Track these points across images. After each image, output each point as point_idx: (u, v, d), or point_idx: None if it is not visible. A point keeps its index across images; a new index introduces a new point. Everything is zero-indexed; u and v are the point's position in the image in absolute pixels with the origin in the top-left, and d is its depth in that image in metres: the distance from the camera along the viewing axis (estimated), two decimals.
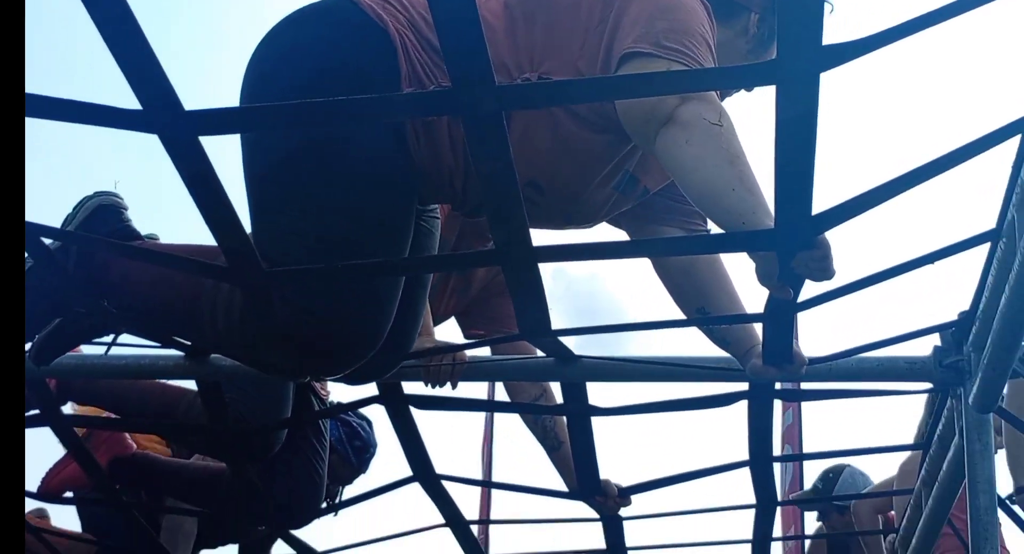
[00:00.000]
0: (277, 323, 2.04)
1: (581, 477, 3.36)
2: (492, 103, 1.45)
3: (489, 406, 3.39)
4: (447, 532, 3.92)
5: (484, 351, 3.14)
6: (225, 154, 1.98)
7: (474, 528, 4.14)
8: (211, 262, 1.96)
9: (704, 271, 2.43)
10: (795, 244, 1.73)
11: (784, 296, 1.89)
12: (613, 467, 3.43)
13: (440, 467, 3.40)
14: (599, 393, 3.24)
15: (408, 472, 3.46)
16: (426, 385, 2.88)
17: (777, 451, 6.99)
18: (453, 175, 2.12)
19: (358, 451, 3.99)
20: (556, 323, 2.31)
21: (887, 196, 1.69)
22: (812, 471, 6.59)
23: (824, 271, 1.79)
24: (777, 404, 4.44)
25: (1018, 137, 1.83)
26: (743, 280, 2.16)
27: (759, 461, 3.26)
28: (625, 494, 3.49)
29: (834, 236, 1.79)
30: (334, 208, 2.04)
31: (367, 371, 2.37)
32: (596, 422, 3.12)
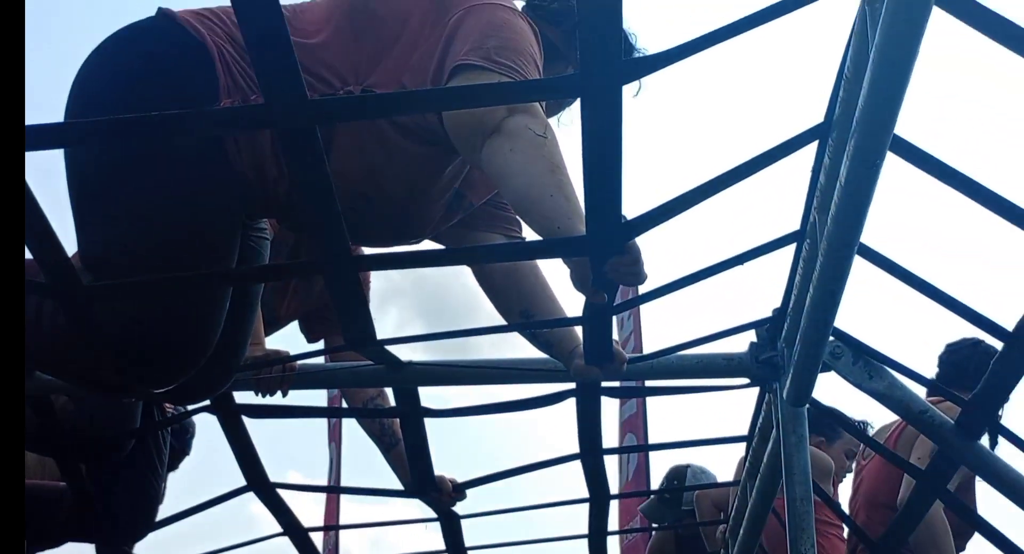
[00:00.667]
0: (102, 335, 2.01)
1: (416, 475, 3.39)
2: (305, 117, 1.47)
3: (322, 412, 3.38)
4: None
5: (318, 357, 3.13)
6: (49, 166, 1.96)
7: (317, 536, 4.12)
8: (32, 278, 1.93)
9: (526, 276, 2.47)
10: (606, 250, 1.78)
11: (598, 300, 1.94)
12: (450, 465, 3.48)
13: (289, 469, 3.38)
14: (437, 392, 3.26)
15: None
16: (256, 394, 2.86)
17: (616, 441, 7.14)
18: (277, 185, 2.11)
19: (177, 434, 3.82)
20: (402, 318, 2.33)
21: (694, 202, 1.75)
22: (657, 460, 6.73)
23: (635, 276, 1.84)
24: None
25: (815, 143, 1.91)
26: (561, 283, 2.22)
27: (589, 456, 3.34)
28: (459, 488, 3.55)
29: (646, 239, 1.86)
30: (154, 220, 2.03)
31: (196, 388, 2.36)
32: (431, 422, 3.17)
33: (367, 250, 2.66)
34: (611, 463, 6.39)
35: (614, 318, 6.11)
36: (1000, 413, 2.52)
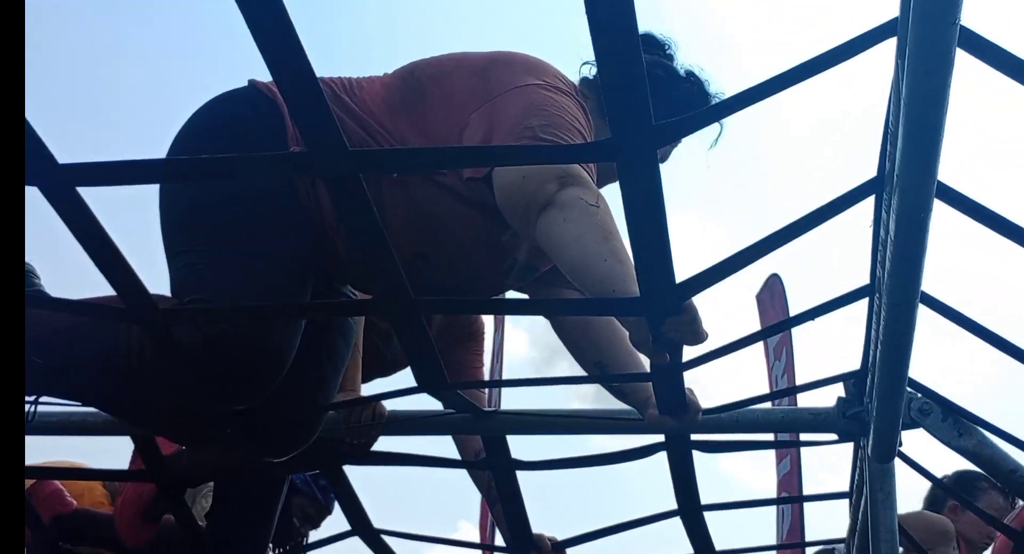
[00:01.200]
0: (186, 353, 2.13)
1: (513, 531, 3.40)
2: (347, 164, 1.54)
3: (417, 460, 3.43)
4: None
5: (408, 403, 3.18)
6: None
7: None
8: (109, 304, 2.07)
9: (601, 328, 2.50)
10: (661, 310, 1.80)
11: (660, 360, 1.95)
12: (549, 520, 3.48)
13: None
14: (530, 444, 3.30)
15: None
16: (347, 440, 2.93)
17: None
18: (336, 235, 2.23)
19: (324, 490, 4.00)
20: (572, 372, 2.37)
21: (746, 262, 1.76)
22: (813, 517, 6.51)
23: (695, 334, 1.86)
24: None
25: (872, 197, 1.90)
26: None
27: (687, 510, 3.31)
28: (559, 547, 3.53)
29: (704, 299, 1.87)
30: (233, 252, 2.19)
31: (285, 438, 2.48)
32: (530, 476, 3.19)
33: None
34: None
35: (773, 377, 5.96)
36: None
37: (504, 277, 2.39)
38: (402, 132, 2.25)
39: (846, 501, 3.53)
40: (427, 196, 2.24)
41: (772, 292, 7.17)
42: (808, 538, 6.20)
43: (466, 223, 2.26)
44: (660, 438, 2.91)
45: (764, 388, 6.67)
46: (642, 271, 1.73)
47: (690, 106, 2.44)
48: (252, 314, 2.14)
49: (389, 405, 2.90)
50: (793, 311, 6.46)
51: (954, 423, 2.57)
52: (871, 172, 1.84)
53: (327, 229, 2.25)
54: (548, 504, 3.55)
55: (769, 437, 3.00)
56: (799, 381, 6.68)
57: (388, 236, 2.10)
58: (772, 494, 7.00)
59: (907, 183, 1.54)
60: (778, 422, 2.82)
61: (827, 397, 2.85)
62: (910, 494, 2.79)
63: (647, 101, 1.40)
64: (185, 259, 2.23)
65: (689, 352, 2.06)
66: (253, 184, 2.20)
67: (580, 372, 2.58)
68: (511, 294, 2.61)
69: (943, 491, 3.87)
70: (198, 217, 2.24)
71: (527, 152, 1.76)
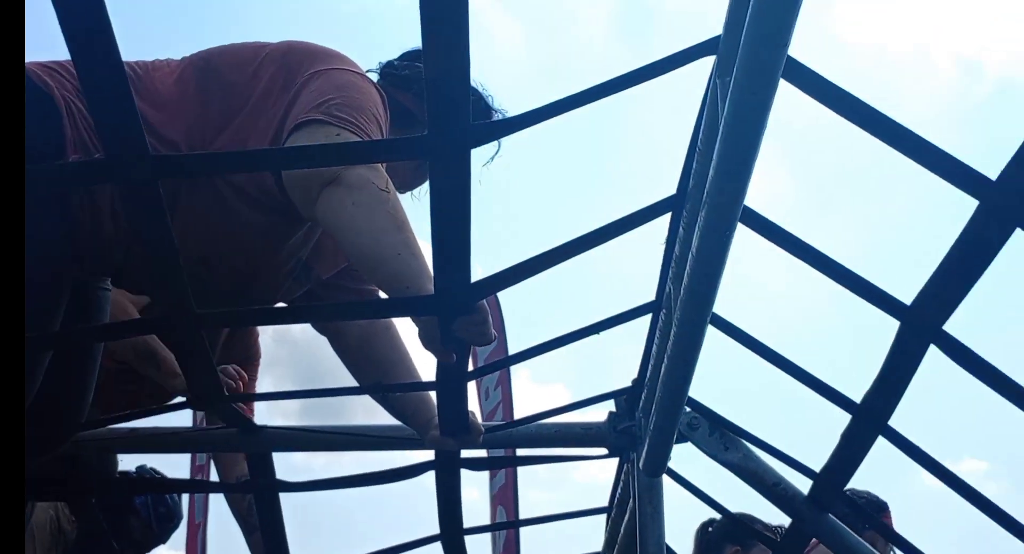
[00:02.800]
0: None
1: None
2: (146, 171, 1.43)
3: (182, 486, 3.29)
4: None
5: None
6: None
7: None
8: None
9: (382, 346, 2.45)
10: (454, 309, 1.77)
11: (447, 360, 1.92)
12: (315, 545, 3.38)
13: None
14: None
15: None
16: None
17: (486, 517, 7.03)
18: (113, 243, 2.06)
19: (161, 518, 3.78)
20: (277, 387, 2.27)
21: (543, 266, 1.75)
22: (528, 535, 6.59)
23: (483, 335, 1.83)
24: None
25: (669, 214, 1.92)
26: (419, 352, 2.20)
27: (449, 534, 3.27)
28: None
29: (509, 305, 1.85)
30: None
31: (39, 439, 2.30)
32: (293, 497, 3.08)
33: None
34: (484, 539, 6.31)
35: (481, 390, 6.13)
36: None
37: (285, 280, 2.28)
38: (203, 129, 2.10)
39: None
40: (206, 198, 2.11)
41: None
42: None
43: (255, 228, 2.14)
44: (429, 456, 2.87)
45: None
46: (439, 269, 1.70)
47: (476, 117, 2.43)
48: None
49: (155, 422, 2.75)
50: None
51: (721, 437, 2.64)
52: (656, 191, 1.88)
53: (102, 234, 2.06)
54: (306, 528, 3.44)
55: (537, 452, 3.00)
56: (515, 391, 6.85)
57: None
58: (485, 508, 7.10)
59: (717, 199, 1.56)
60: (551, 437, 2.82)
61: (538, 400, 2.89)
62: (675, 510, 2.84)
63: (467, 100, 1.37)
64: None
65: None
66: None
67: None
68: None
69: (716, 535, 3.93)
70: None
71: (336, 150, 1.69)
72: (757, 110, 1.38)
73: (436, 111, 1.36)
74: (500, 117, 2.53)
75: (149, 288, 1.77)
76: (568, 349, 2.33)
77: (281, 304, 2.44)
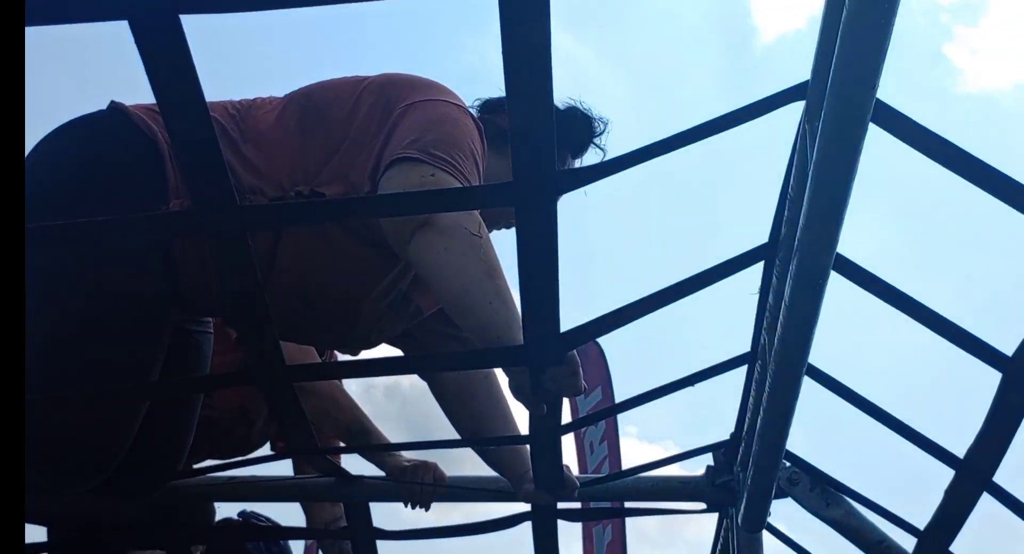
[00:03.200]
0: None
1: None
2: (234, 223, 1.45)
3: (281, 532, 3.32)
4: None
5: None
6: None
7: None
8: None
9: (480, 397, 2.44)
10: (544, 360, 1.76)
11: (537, 412, 1.91)
12: None
13: None
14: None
15: None
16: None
17: None
18: (197, 289, 2.11)
19: None
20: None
21: (634, 316, 1.74)
22: None
23: (573, 387, 1.82)
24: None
25: (761, 263, 1.90)
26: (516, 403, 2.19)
27: None
28: None
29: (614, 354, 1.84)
30: (82, 322, 2.02)
31: (134, 488, 2.33)
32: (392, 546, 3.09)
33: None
34: None
35: (585, 444, 6.07)
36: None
37: (385, 313, 2.28)
38: (305, 165, 2.12)
39: None
40: (320, 237, 2.13)
41: (585, 356, 7.23)
42: None
43: (357, 262, 2.16)
44: (526, 507, 2.85)
45: (570, 451, 6.70)
46: (528, 319, 1.68)
47: (573, 139, 2.43)
48: (105, 396, 2.00)
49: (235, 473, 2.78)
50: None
51: (822, 493, 2.58)
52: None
53: (211, 279, 2.06)
54: None
55: (634, 506, 2.96)
56: (623, 447, 6.76)
57: (275, 285, 2.00)
58: None
59: (808, 247, 1.53)
60: (648, 490, 2.78)
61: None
62: None
63: (553, 147, 1.36)
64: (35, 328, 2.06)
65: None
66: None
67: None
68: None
69: None
70: (47, 279, 2.02)
71: (422, 198, 1.69)
72: (846, 154, 1.36)
73: (521, 159, 1.36)
74: (602, 147, 2.50)
75: (241, 345, 1.80)
76: (676, 406, 2.31)
77: (366, 353, 2.46)
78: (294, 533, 3.32)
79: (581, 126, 2.46)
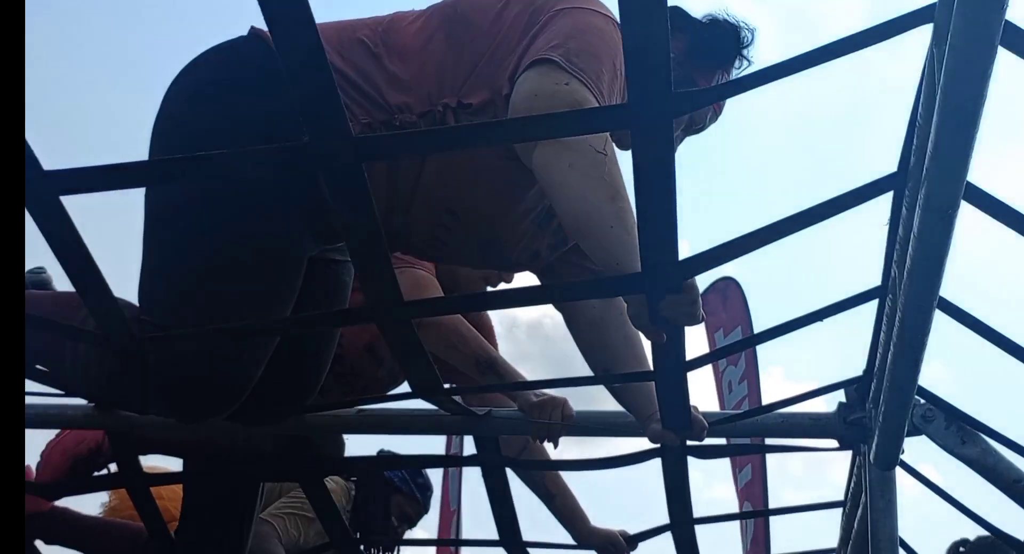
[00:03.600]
0: (153, 375, 2.05)
1: (501, 523, 3.34)
2: (350, 155, 1.46)
3: (414, 461, 3.39)
4: None
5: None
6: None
7: None
8: (80, 326, 1.97)
9: (612, 332, 2.41)
10: (661, 288, 1.74)
11: (657, 339, 1.89)
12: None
13: None
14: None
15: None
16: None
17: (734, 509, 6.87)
18: (391, 209, 2.13)
19: (422, 488, 4.01)
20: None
21: (754, 246, 1.71)
22: (777, 529, 6.39)
23: (692, 316, 1.80)
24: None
25: (891, 194, 1.85)
26: None
27: (679, 522, 3.23)
28: (632, 540, 3.48)
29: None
30: (218, 259, 2.07)
31: (263, 416, 2.41)
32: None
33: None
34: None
35: (723, 383, 5.98)
36: None
37: (530, 227, 2.27)
38: (454, 75, 2.13)
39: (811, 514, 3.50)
40: (467, 152, 2.12)
41: (724, 295, 7.10)
42: (774, 551, 6.10)
43: (500, 173, 2.15)
44: (656, 445, 2.85)
45: (711, 391, 6.60)
46: (645, 245, 1.67)
47: (719, 51, 2.37)
48: (229, 335, 2.05)
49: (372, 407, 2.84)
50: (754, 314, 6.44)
51: (957, 430, 2.52)
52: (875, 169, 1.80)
53: (379, 202, 2.06)
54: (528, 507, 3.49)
55: (768, 442, 2.94)
56: (763, 386, 6.64)
57: (421, 198, 2.06)
58: (732, 503, 6.92)
59: (938, 176, 1.48)
60: (777, 427, 2.76)
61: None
62: (908, 504, 2.73)
63: (667, 68, 1.33)
64: (153, 263, 2.13)
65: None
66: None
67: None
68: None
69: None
70: (169, 213, 2.10)
71: (535, 123, 1.67)
72: (976, 78, 1.31)
73: (636, 79, 1.34)
74: (749, 58, 2.43)
75: (361, 282, 1.81)
76: (823, 344, 2.27)
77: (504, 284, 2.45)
78: (424, 461, 3.37)
79: (727, 37, 2.40)
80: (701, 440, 2.40)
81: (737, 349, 3.20)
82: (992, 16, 1.22)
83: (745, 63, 2.40)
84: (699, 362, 2.22)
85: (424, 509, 4.03)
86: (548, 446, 2.87)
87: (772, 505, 6.48)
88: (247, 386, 2.13)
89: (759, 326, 6.44)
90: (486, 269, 2.75)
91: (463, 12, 2.21)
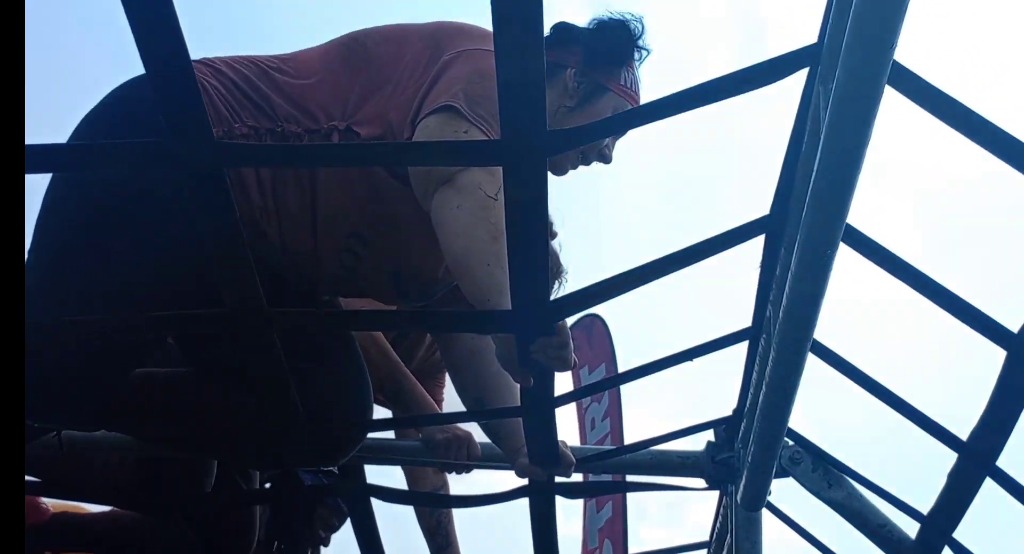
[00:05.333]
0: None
1: None
2: (209, 158, 1.39)
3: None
4: None
5: None
6: None
7: None
8: None
9: (486, 363, 2.38)
10: (532, 329, 1.70)
11: (524, 383, 1.85)
12: None
13: None
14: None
15: None
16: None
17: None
18: (263, 217, 2.07)
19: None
20: None
21: (629, 286, 1.67)
22: None
23: (562, 361, 1.76)
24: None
25: (762, 236, 1.83)
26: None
27: None
28: None
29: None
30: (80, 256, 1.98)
31: (321, 452, 2.30)
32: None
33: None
34: None
35: (586, 420, 5.96)
36: None
37: (441, 264, 2.22)
38: (345, 101, 2.10)
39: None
40: (364, 171, 2.09)
41: (589, 332, 7.14)
42: None
43: (404, 198, 2.10)
44: (524, 482, 2.80)
45: (572, 426, 6.62)
46: (516, 285, 1.62)
47: (615, 52, 2.33)
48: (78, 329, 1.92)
49: None
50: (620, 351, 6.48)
51: (824, 473, 2.52)
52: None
53: (253, 211, 2.06)
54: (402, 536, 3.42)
55: (635, 480, 2.91)
56: (627, 423, 6.67)
57: (323, 217, 2.01)
58: (579, 540, 6.93)
59: (818, 217, 1.46)
60: (645, 464, 2.73)
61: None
62: (774, 545, 2.73)
63: (543, 104, 1.29)
64: (32, 257, 2.02)
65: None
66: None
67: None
68: None
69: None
70: (56, 209, 2.03)
71: (406, 150, 1.63)
72: (861, 118, 1.29)
73: (510, 115, 1.30)
74: (647, 47, 2.39)
75: (221, 287, 1.72)
76: (689, 385, 2.25)
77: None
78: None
79: (618, 36, 2.36)
80: (568, 476, 2.36)
81: (607, 386, 3.16)
82: (881, 54, 1.20)
83: (644, 53, 2.38)
84: (566, 399, 2.18)
85: (345, 516, 3.88)
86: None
87: (631, 543, 6.53)
88: (95, 389, 2.02)
89: (624, 363, 6.48)
90: (402, 303, 2.65)
91: (363, 42, 2.19)
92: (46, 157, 1.51)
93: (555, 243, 3.02)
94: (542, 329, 1.70)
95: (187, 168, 1.41)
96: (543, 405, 2.02)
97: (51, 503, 3.33)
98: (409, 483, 3.34)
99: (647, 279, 1.66)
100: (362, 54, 2.17)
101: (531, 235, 1.47)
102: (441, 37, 2.17)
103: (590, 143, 1.41)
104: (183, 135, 1.32)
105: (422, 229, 2.12)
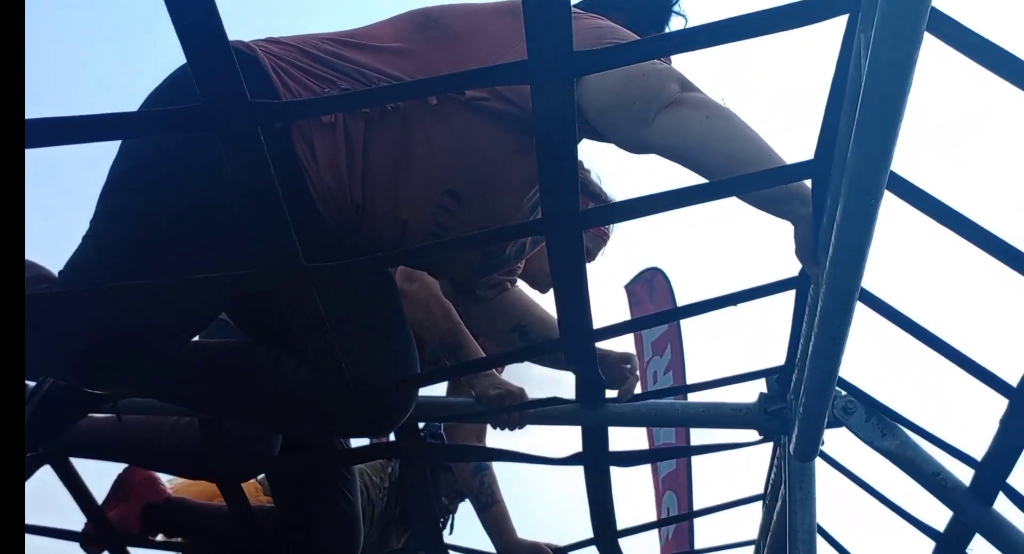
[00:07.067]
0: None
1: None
2: (245, 119, 1.42)
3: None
4: None
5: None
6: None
7: None
8: None
9: (512, 294, 2.52)
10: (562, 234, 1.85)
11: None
12: None
13: None
14: None
15: None
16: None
17: (653, 498, 6.86)
18: (351, 186, 2.06)
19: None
20: None
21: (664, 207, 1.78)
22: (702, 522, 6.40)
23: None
24: None
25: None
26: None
27: (601, 542, 3.21)
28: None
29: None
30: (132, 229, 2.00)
31: (376, 419, 2.32)
32: None
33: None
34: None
35: (648, 373, 5.99)
36: None
37: (532, 213, 2.22)
38: (436, 69, 2.06)
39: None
40: (465, 123, 2.08)
41: (650, 286, 7.14)
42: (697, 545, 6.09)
43: (508, 149, 2.10)
44: (578, 449, 2.81)
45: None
46: (546, 195, 1.75)
47: (654, 19, 2.37)
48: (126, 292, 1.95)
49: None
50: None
51: (877, 422, 2.52)
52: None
53: (342, 179, 2.05)
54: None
55: (687, 442, 2.93)
56: (689, 377, 6.66)
57: (417, 171, 2.03)
58: (649, 492, 6.94)
59: (860, 165, 1.46)
60: (698, 416, 2.73)
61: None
62: (827, 495, 2.73)
63: (569, 25, 1.33)
64: (91, 229, 2.03)
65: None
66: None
67: None
68: None
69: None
70: (117, 184, 2.03)
71: (428, 83, 1.77)
72: (901, 64, 1.29)
73: (535, 34, 1.33)
74: (683, 13, 2.43)
75: (259, 247, 1.74)
76: (751, 342, 2.28)
77: None
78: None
79: (656, 4, 2.40)
80: (628, 396, 2.57)
81: (646, 325, 3.10)
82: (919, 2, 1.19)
83: (683, 19, 2.40)
84: (606, 333, 2.25)
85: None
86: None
87: (696, 492, 6.53)
88: (145, 354, 2.05)
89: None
90: (477, 276, 2.63)
91: (438, 19, 2.17)
92: (84, 127, 1.53)
93: (594, 176, 3.05)
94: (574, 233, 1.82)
95: (223, 130, 1.43)
96: (583, 338, 2.09)
97: (170, 486, 3.35)
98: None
99: (696, 200, 1.74)
100: (439, 28, 2.15)
101: (559, 155, 1.54)
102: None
103: (620, 65, 1.44)
104: (217, 96, 1.35)
105: (515, 180, 2.14)
